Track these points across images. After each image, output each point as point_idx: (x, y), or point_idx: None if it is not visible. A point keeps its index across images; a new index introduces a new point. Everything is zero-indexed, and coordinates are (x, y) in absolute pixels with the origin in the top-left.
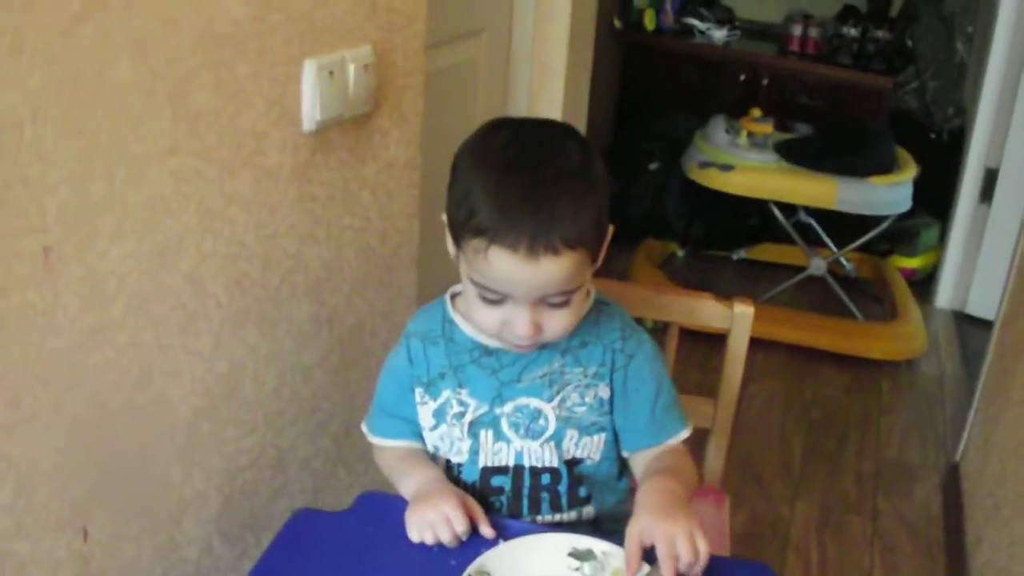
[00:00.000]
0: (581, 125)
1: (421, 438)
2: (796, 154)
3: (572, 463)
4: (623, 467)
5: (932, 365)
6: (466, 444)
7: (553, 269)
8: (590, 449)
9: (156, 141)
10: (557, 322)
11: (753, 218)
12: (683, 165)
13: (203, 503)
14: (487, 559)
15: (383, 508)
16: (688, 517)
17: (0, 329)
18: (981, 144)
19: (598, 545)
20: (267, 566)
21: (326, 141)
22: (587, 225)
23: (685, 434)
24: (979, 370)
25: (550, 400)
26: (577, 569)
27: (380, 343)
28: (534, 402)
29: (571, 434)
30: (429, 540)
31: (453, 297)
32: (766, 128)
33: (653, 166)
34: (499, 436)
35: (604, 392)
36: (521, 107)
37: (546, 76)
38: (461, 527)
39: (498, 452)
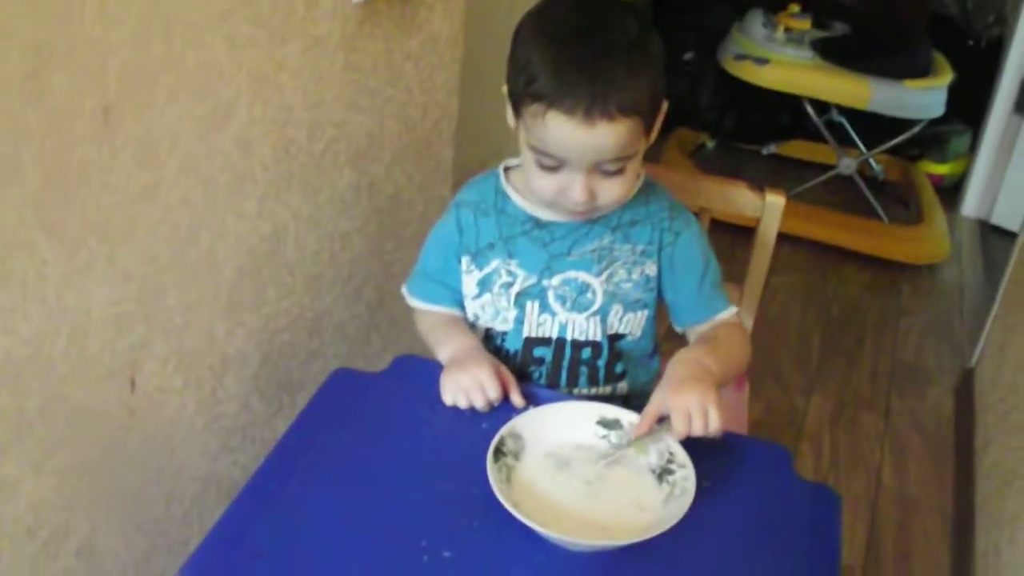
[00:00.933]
0: None
1: (461, 306)
2: (832, 52)
3: (614, 338)
4: (656, 347)
5: (953, 271)
6: (512, 314)
7: (608, 135)
8: (632, 325)
9: (213, 5)
10: (611, 190)
11: (785, 114)
12: (719, 57)
13: (243, 361)
14: (518, 423)
15: (418, 371)
16: (706, 392)
17: (61, 182)
18: (1019, 54)
19: (625, 415)
20: (306, 421)
21: (373, 12)
22: (642, 94)
23: (732, 310)
24: (1000, 279)
25: (598, 275)
26: (604, 437)
27: (416, 214)
28: (582, 275)
29: (616, 309)
30: (462, 404)
31: (507, 171)
32: (804, 24)
33: (688, 56)
34: (544, 308)
35: (651, 269)
36: None
37: None
38: (493, 394)
39: (542, 323)
